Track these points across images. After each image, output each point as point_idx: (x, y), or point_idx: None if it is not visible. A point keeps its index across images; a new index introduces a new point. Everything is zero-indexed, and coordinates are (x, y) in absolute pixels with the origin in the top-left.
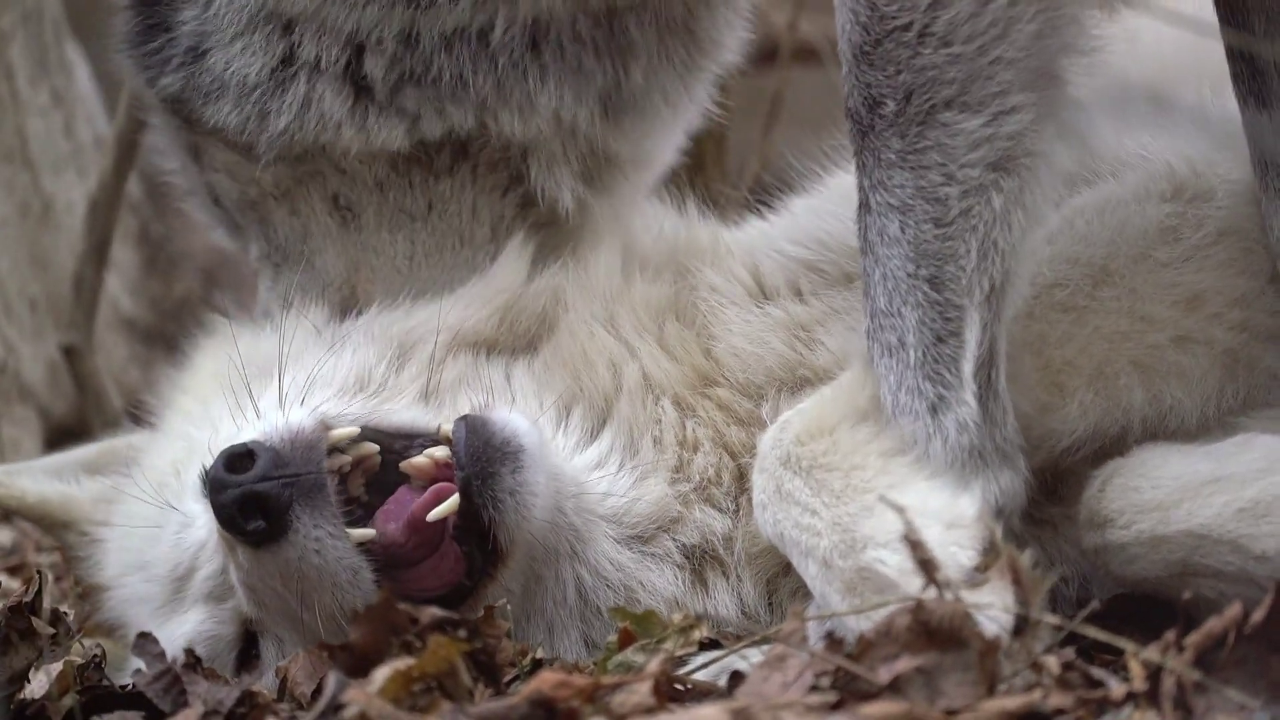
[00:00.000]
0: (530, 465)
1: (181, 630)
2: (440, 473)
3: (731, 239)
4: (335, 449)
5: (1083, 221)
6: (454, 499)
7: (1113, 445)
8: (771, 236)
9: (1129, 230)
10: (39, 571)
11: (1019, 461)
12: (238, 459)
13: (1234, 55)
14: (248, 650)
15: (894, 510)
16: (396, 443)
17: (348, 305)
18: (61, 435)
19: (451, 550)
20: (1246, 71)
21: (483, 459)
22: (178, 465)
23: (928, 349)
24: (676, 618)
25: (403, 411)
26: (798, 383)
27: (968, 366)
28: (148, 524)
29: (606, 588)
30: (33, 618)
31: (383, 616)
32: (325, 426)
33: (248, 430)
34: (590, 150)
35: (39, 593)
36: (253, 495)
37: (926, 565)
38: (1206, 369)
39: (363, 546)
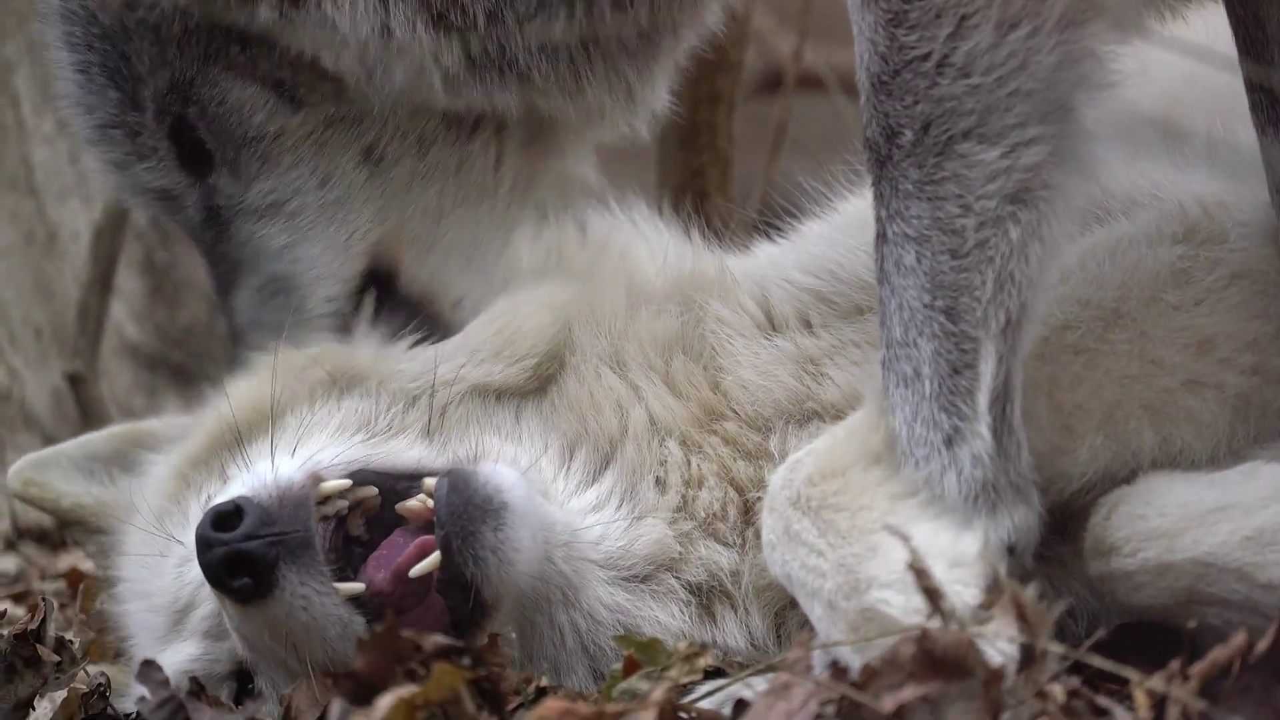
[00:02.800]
0: (513, 522)
1: (176, 660)
2: (434, 516)
3: (739, 268)
4: (328, 498)
5: (1094, 263)
6: (434, 556)
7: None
8: (781, 265)
9: (1140, 272)
10: (44, 599)
11: (1033, 497)
12: (225, 516)
13: (1253, 87)
14: (243, 687)
15: (898, 538)
16: (399, 483)
17: (376, 264)
18: None
19: (436, 603)
20: (1265, 101)
21: (463, 517)
22: (178, 496)
23: (943, 380)
24: (681, 646)
25: (405, 451)
26: (805, 415)
27: (983, 399)
28: (151, 552)
29: (604, 630)
30: (37, 645)
31: (387, 644)
32: (316, 479)
33: (236, 485)
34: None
35: (44, 621)
36: (238, 554)
37: (932, 594)
38: (1217, 413)
39: (358, 597)
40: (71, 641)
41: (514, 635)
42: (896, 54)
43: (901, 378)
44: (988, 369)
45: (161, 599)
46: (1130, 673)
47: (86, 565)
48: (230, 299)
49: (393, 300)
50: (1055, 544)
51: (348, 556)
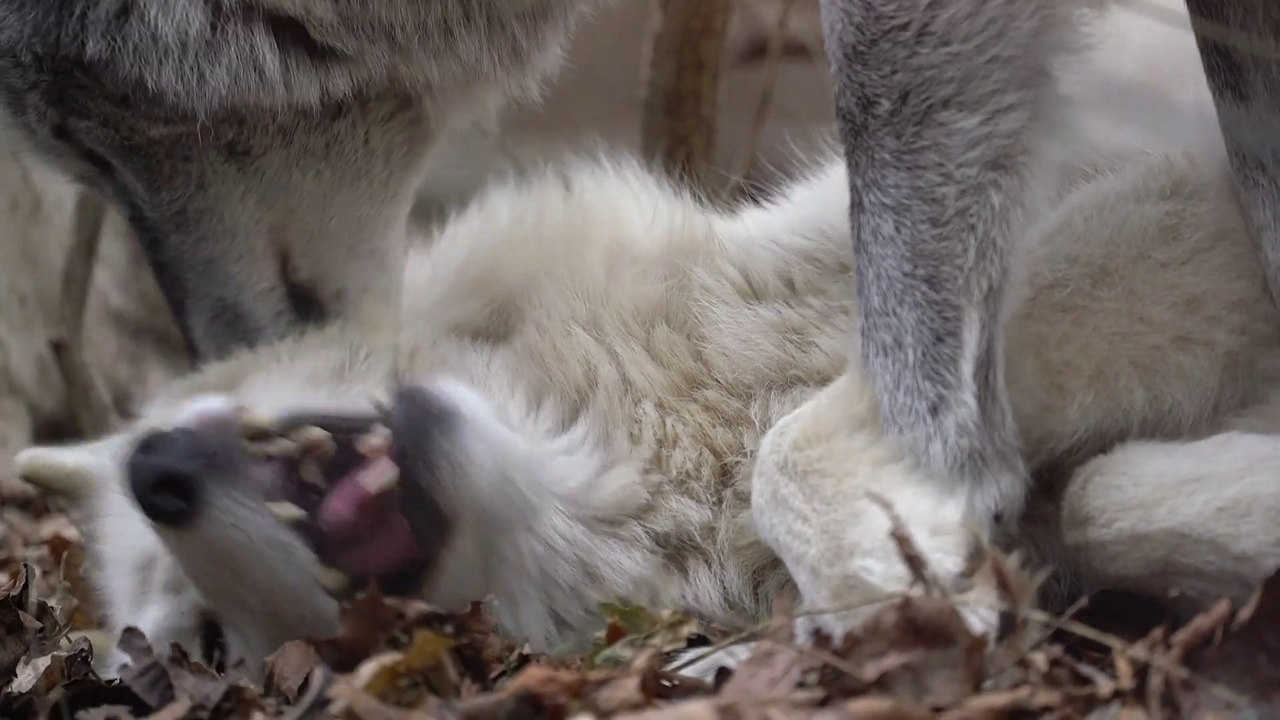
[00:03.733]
0: (468, 432)
1: (147, 627)
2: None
3: (726, 232)
4: (277, 436)
5: (1081, 219)
6: (392, 468)
7: (1111, 445)
8: (769, 227)
9: (1128, 229)
10: (25, 565)
11: (1018, 465)
12: (151, 444)
13: (1208, 48)
14: (211, 640)
15: (880, 506)
16: (359, 427)
17: (274, 253)
18: (51, 429)
19: (400, 524)
20: (1222, 64)
21: (418, 425)
22: None
23: (927, 349)
24: (665, 613)
25: (361, 398)
26: (788, 382)
27: (967, 367)
28: (122, 512)
29: (563, 562)
30: (19, 612)
31: (369, 612)
32: (242, 409)
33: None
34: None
35: (25, 587)
36: (165, 475)
37: (914, 562)
38: (1207, 370)
39: (306, 527)
40: (54, 608)
41: (476, 562)
42: (873, 23)
43: (881, 346)
44: (971, 336)
45: (129, 557)
46: (1112, 641)
47: (69, 532)
48: (184, 318)
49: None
50: (1040, 502)
51: (306, 504)
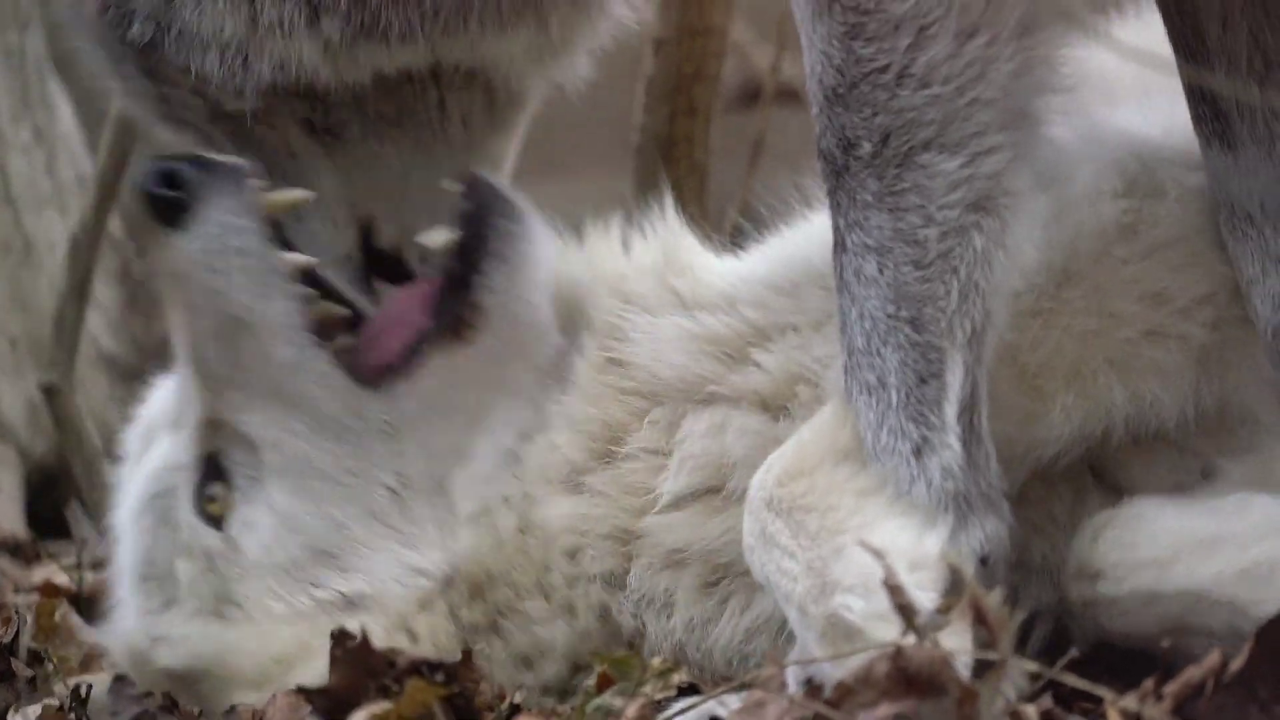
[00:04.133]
0: (536, 238)
1: (147, 468)
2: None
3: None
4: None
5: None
6: (449, 233)
7: (1098, 448)
8: (736, 269)
9: (1085, 231)
10: (16, 612)
11: (1003, 508)
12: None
13: (1195, 96)
14: (209, 476)
15: (872, 555)
16: None
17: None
18: (41, 474)
19: (434, 282)
20: (1209, 113)
21: (490, 208)
22: None
23: (910, 390)
24: (655, 661)
25: None
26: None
27: (950, 410)
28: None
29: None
30: (11, 659)
31: (360, 660)
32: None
33: None
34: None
35: (17, 634)
36: (168, 171)
37: (905, 610)
38: (1182, 364)
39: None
40: (47, 655)
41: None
42: (853, 66)
43: (865, 386)
44: (955, 379)
45: (139, 436)
46: (1103, 691)
47: (61, 579)
48: None
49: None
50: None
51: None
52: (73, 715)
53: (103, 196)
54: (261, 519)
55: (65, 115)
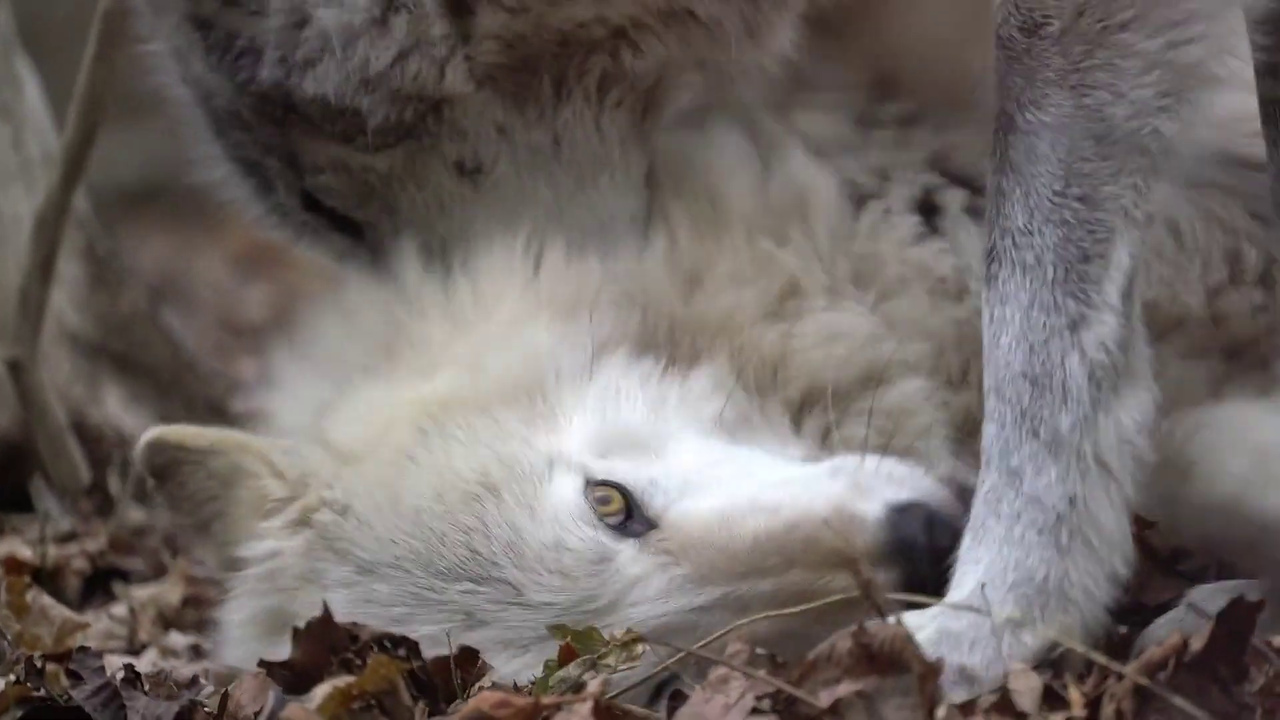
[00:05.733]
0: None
1: None
2: None
3: None
4: None
5: None
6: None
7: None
8: None
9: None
10: None
11: (1153, 384)
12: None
13: (1266, 99)
14: None
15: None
16: None
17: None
18: (5, 449)
19: None
20: (1277, 112)
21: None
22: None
23: (1070, 266)
24: (619, 633)
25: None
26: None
27: (1112, 289)
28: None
29: None
30: None
31: (322, 634)
32: None
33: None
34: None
35: None
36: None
37: (867, 588)
38: None
39: None
40: (5, 630)
41: None
42: None
43: (1021, 266)
44: (1122, 258)
45: None
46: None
47: (25, 553)
48: None
49: None
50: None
51: None
52: (34, 689)
53: (69, 173)
54: None
55: (32, 92)
